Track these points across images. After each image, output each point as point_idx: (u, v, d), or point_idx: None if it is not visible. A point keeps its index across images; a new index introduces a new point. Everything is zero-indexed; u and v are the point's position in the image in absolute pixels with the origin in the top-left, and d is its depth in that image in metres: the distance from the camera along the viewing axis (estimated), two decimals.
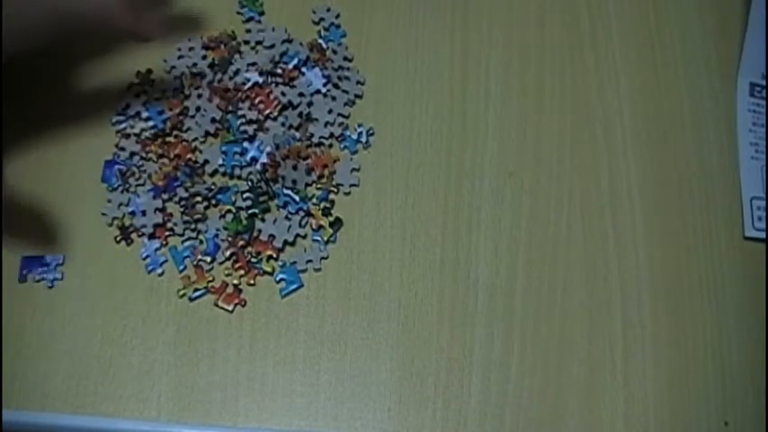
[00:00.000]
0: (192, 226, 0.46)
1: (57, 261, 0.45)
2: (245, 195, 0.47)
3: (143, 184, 0.47)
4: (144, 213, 0.46)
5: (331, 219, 0.48)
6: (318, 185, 0.48)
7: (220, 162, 0.48)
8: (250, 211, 0.47)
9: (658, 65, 0.55)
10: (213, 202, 0.47)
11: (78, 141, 0.48)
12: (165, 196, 0.47)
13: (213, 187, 0.47)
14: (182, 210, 0.47)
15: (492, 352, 0.46)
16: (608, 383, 0.46)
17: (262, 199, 0.47)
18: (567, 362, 0.46)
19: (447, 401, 0.45)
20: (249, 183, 0.48)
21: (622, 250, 0.49)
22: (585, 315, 0.47)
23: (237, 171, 0.48)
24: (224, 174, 0.48)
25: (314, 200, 0.48)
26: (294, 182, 0.48)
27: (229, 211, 0.47)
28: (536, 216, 0.50)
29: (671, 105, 0.54)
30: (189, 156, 0.48)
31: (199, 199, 0.47)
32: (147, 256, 0.46)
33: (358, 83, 0.52)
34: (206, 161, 0.48)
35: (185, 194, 0.47)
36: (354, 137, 0.50)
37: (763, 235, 0.51)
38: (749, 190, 0.52)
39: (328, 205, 0.48)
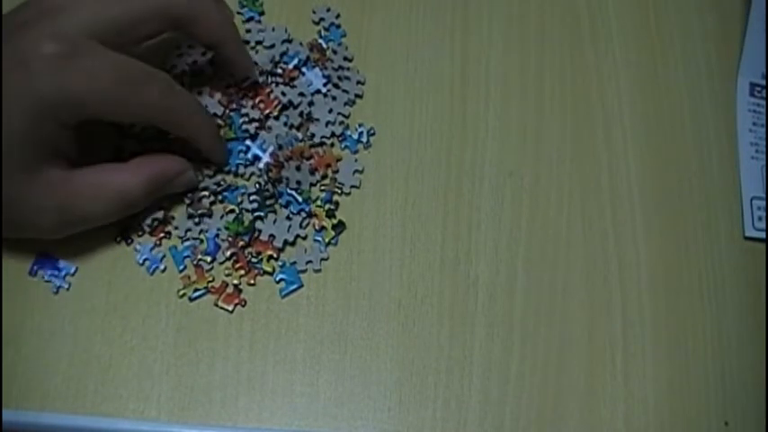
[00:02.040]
0: (196, 220, 0.46)
1: (68, 270, 0.45)
2: (251, 198, 0.47)
3: None
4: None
5: (334, 221, 0.47)
6: (322, 186, 0.48)
7: None
8: (255, 214, 0.47)
9: (658, 65, 0.55)
10: (219, 198, 0.47)
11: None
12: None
13: (222, 183, 0.47)
14: (188, 202, 0.47)
15: (492, 352, 0.46)
16: (608, 383, 0.46)
17: (269, 202, 0.47)
18: (567, 362, 0.46)
19: (447, 401, 0.45)
20: (257, 185, 0.47)
21: (622, 250, 0.49)
22: (585, 315, 0.47)
23: (242, 170, 0.48)
24: (228, 172, 0.48)
25: (318, 201, 0.48)
26: (299, 183, 0.48)
27: (232, 210, 0.47)
28: (536, 216, 0.50)
29: (671, 105, 0.54)
30: None
31: (206, 194, 0.47)
32: (147, 257, 0.46)
33: (358, 83, 0.52)
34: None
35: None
36: (355, 137, 0.50)
37: (763, 235, 0.51)
38: (749, 190, 0.52)
39: (332, 207, 0.48)
